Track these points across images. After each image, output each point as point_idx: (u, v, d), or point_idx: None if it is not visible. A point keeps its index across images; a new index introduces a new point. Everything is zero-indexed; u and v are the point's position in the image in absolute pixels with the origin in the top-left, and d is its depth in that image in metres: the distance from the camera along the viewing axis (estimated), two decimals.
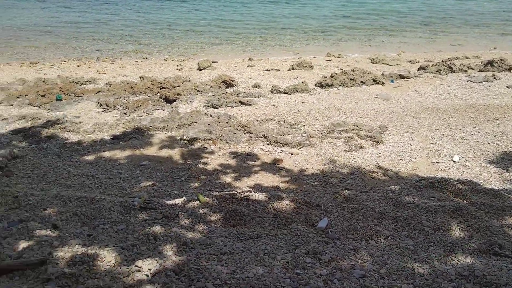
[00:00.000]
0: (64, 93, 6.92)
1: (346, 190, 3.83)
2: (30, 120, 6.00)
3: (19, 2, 20.56)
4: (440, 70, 8.44)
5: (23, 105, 6.71)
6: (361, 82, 7.65)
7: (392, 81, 7.91)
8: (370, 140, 5.26)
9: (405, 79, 8.06)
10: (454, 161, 4.70)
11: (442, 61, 8.91)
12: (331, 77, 7.73)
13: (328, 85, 7.49)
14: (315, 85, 7.62)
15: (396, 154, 4.93)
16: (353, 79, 7.63)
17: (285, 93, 7.23)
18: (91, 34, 13.21)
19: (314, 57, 10.26)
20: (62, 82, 7.66)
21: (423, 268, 2.45)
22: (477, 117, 5.97)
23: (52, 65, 9.57)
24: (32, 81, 7.83)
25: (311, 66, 8.97)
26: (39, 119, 6.04)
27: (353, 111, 6.28)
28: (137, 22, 15.13)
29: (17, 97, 7.00)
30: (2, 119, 6.14)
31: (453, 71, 8.40)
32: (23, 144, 5.20)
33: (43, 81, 7.75)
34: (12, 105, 6.74)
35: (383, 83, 7.73)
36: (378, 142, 5.21)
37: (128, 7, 18.37)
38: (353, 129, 5.55)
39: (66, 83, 7.57)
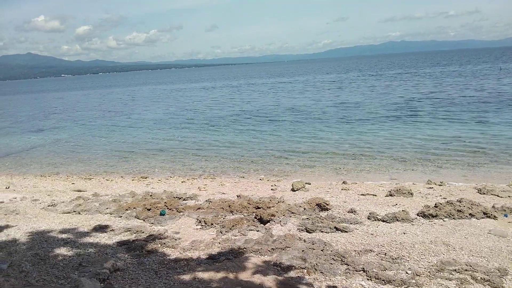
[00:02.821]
0: (167, 208, 7.36)
1: None
2: (135, 233, 6.37)
3: (141, 124, 23.72)
4: None
5: (130, 217, 7.23)
6: (470, 214, 7.00)
7: (506, 215, 7.12)
8: (489, 285, 4.57)
9: None
10: None
11: None
12: (435, 207, 7.23)
13: (432, 216, 6.97)
14: (417, 214, 7.15)
15: None
16: (460, 211, 7.04)
17: (383, 221, 6.86)
18: (197, 153, 14.48)
19: (414, 184, 9.83)
20: (167, 197, 8.22)
21: None
22: None
23: (159, 180, 10.44)
24: (141, 195, 8.53)
25: (411, 194, 8.55)
26: (143, 232, 6.39)
27: (463, 247, 5.65)
28: (239, 143, 16.34)
29: (126, 209, 7.60)
30: (110, 230, 6.63)
31: None
32: (125, 257, 5.46)
33: (150, 195, 8.40)
34: (121, 216, 7.30)
35: (495, 217, 6.98)
36: None
37: (230, 130, 20.09)
38: (466, 270, 4.92)
39: (170, 198, 8.11)
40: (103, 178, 11.68)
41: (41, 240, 6.21)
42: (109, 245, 5.92)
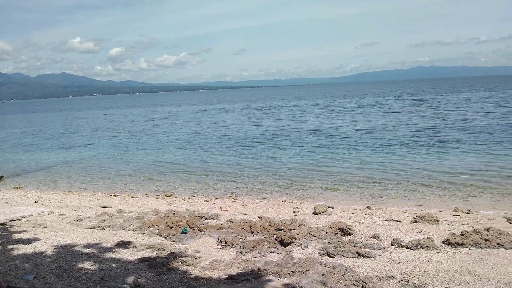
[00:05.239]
0: (189, 227, 7.44)
1: None
2: (156, 250, 6.45)
3: (166, 145, 24.16)
4: None
5: (153, 234, 7.32)
6: (498, 244, 6.76)
7: None
8: None
9: None
10: None
11: None
12: (461, 235, 7.02)
13: (458, 244, 6.77)
14: (443, 242, 6.96)
15: None
16: (487, 240, 6.81)
17: (407, 248, 6.70)
18: (220, 173, 14.60)
19: (440, 211, 9.59)
20: (189, 215, 8.31)
21: None
22: None
23: (182, 199, 10.56)
24: (164, 213, 8.65)
25: (437, 221, 8.34)
26: (164, 249, 6.46)
27: (490, 278, 5.44)
28: (261, 165, 16.40)
29: (149, 227, 7.71)
30: (133, 246, 6.73)
31: None
32: (146, 273, 5.52)
33: (173, 213, 8.51)
34: (144, 233, 7.40)
35: None
36: None
37: (252, 151, 20.20)
38: None
39: (192, 217, 8.19)
40: (128, 195, 11.90)
41: (66, 254, 6.36)
42: (131, 261, 6.01)
